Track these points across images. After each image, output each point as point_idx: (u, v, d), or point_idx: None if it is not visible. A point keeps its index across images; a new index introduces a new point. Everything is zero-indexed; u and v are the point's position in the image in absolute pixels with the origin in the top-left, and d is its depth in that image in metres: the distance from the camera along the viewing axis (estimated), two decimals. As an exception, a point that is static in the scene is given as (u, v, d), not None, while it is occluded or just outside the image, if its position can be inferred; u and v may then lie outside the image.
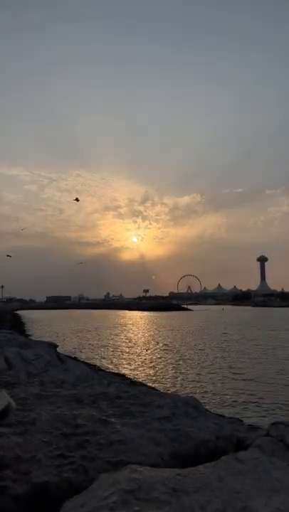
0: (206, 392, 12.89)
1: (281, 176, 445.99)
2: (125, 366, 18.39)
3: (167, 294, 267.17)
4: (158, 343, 28.88)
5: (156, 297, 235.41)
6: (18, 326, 44.28)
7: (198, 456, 2.51)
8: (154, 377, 15.42)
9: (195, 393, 12.22)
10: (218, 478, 1.83)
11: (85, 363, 13.71)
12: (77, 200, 28.92)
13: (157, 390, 7.59)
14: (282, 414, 10.12)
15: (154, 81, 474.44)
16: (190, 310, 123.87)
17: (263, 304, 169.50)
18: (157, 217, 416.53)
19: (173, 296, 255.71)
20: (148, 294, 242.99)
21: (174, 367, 17.85)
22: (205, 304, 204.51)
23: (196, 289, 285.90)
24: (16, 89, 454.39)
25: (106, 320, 67.16)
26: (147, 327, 49.58)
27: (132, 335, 36.79)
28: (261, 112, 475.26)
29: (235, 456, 2.12)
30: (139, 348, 25.94)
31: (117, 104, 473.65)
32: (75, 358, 14.48)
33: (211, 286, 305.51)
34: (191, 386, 13.76)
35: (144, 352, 23.60)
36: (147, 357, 21.37)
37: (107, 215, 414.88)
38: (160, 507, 1.55)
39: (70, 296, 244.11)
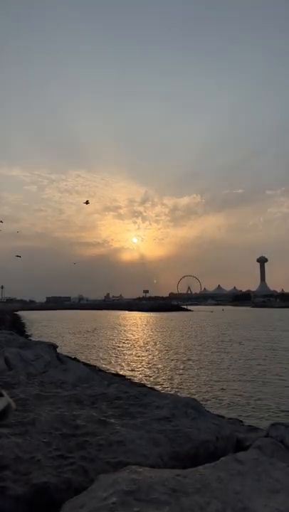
0: (205, 392, 12.88)
1: (281, 176, 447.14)
2: (125, 367, 18.38)
3: (167, 295, 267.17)
4: (158, 343, 28.87)
5: (156, 298, 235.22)
6: (18, 326, 44.29)
7: (198, 457, 2.51)
8: (153, 378, 15.41)
9: (195, 394, 12.22)
10: (217, 479, 1.83)
11: (85, 364, 13.70)
12: (87, 202, 28.94)
13: (157, 391, 7.58)
14: (282, 415, 10.12)
15: (154, 81, 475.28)
16: (190, 311, 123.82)
17: (263, 305, 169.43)
18: (157, 217, 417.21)
19: (173, 296, 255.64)
20: (148, 295, 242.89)
21: (173, 368, 17.83)
22: (205, 305, 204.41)
23: (196, 289, 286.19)
24: (15, 89, 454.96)
25: (106, 321, 67.13)
26: (147, 328, 49.55)
27: (131, 336, 36.77)
28: (261, 113, 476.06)
29: (235, 457, 2.12)
30: (138, 348, 25.92)
31: (116, 105, 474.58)
32: (74, 359, 14.46)
33: (210, 286, 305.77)
34: (190, 387, 13.75)
35: (143, 353, 23.58)
36: (147, 358, 21.36)
37: (107, 215, 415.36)
38: (160, 508, 1.55)
39: (70, 297, 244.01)
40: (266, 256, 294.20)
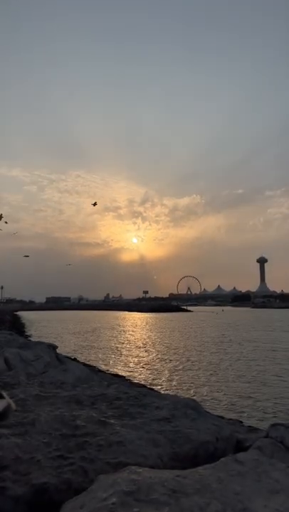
0: (205, 393, 12.87)
1: (281, 177, 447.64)
2: (125, 367, 18.36)
3: (167, 295, 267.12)
4: (157, 344, 28.85)
5: (156, 298, 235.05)
6: (18, 326, 44.24)
7: (198, 458, 2.51)
8: (153, 379, 15.40)
9: (194, 395, 12.21)
10: (217, 479, 1.82)
11: (85, 364, 13.68)
12: (95, 204, 28.95)
13: (157, 392, 7.58)
14: (282, 416, 10.11)
15: (154, 82, 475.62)
16: (190, 311, 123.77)
17: (263, 306, 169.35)
18: (157, 218, 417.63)
19: (173, 297, 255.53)
20: (148, 295, 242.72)
21: (173, 368, 17.82)
22: (205, 305, 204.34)
23: (196, 290, 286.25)
24: (15, 89, 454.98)
25: (105, 321, 67.08)
26: (147, 328, 49.53)
27: (131, 336, 36.75)
28: (261, 113, 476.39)
29: (235, 458, 2.12)
30: (138, 349, 25.91)
31: (116, 105, 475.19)
32: (74, 359, 14.45)
33: (210, 287, 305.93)
34: (190, 387, 13.74)
35: (143, 353, 23.57)
36: (147, 358, 21.35)
37: (107, 216, 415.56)
38: (159, 508, 1.55)
39: (69, 297, 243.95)
40: (266, 256, 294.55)
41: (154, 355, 22.67)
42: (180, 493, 1.67)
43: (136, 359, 21.10)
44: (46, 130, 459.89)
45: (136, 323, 61.44)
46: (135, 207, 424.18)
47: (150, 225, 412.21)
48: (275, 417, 9.96)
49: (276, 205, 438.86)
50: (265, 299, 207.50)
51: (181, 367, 18.22)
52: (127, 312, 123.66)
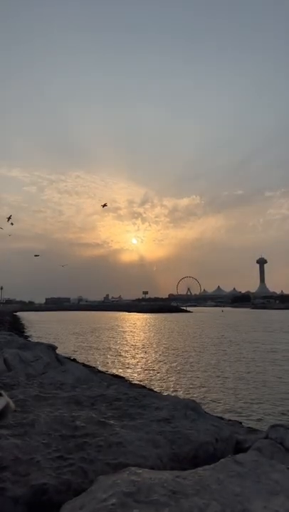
0: (205, 394, 12.87)
1: (281, 178, 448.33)
2: (124, 368, 18.35)
3: (166, 296, 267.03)
4: (157, 345, 28.85)
5: (156, 299, 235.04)
6: (18, 327, 44.20)
7: (198, 459, 2.51)
8: (153, 380, 15.39)
9: (194, 395, 12.21)
10: (217, 480, 1.82)
11: (84, 365, 13.69)
12: (105, 205, 29.13)
13: (156, 392, 7.57)
14: (282, 417, 10.11)
15: (154, 82, 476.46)
16: (189, 312, 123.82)
17: (263, 306, 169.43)
18: (157, 219, 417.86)
19: (172, 298, 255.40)
20: (147, 296, 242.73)
21: (173, 369, 17.82)
22: (204, 306, 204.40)
23: (196, 291, 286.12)
24: (15, 90, 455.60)
25: (105, 322, 67.07)
26: (146, 329, 49.52)
27: (131, 337, 36.74)
28: (261, 114, 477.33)
29: (235, 459, 2.11)
30: (138, 350, 25.90)
31: (116, 106, 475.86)
32: (74, 360, 14.45)
33: (210, 288, 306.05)
34: (190, 388, 13.74)
35: (143, 354, 23.56)
36: (146, 359, 21.34)
37: (107, 216, 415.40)
38: (159, 509, 1.55)
39: (69, 298, 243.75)
40: (266, 257, 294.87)
41: (154, 356, 22.67)
42: (180, 494, 1.67)
43: (135, 360, 21.09)
44: (46, 130, 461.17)
45: (135, 324, 61.43)
46: (135, 208, 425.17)
47: (150, 225, 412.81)
48: (275, 418, 9.95)
49: (276, 205, 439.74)
50: (264, 300, 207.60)
51: (180, 368, 18.21)
52: (126, 313, 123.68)
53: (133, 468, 1.91)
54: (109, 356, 22.56)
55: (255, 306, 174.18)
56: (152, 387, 12.48)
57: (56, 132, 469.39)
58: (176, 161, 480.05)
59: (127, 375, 16.20)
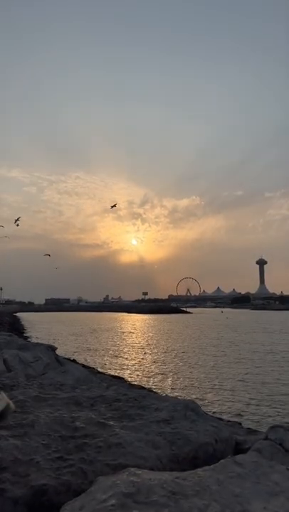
0: (204, 395, 12.87)
1: (280, 178, 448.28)
2: (124, 369, 18.35)
3: (166, 297, 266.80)
4: (156, 346, 28.85)
5: (156, 300, 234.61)
6: (17, 328, 44.19)
7: (197, 460, 2.51)
8: (152, 381, 15.39)
9: (194, 396, 12.20)
10: (217, 481, 1.83)
11: (84, 366, 13.69)
12: (114, 206, 29.64)
13: (156, 393, 7.57)
14: (282, 418, 10.10)
15: (153, 83, 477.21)
16: (189, 313, 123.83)
17: (262, 307, 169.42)
18: (156, 219, 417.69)
19: (172, 298, 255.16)
20: (147, 297, 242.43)
21: (172, 370, 17.81)
22: (204, 307, 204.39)
23: (195, 291, 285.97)
24: (15, 90, 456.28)
25: (105, 323, 67.07)
26: (146, 330, 49.51)
27: (130, 338, 36.74)
28: (261, 115, 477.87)
29: (234, 460, 2.12)
30: (138, 351, 25.89)
31: (116, 106, 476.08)
32: (73, 361, 14.44)
33: (210, 289, 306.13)
34: (189, 389, 13.73)
35: (142, 355, 23.56)
36: (146, 360, 21.33)
37: (107, 217, 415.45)
38: (159, 510, 1.55)
39: (69, 299, 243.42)
40: (265, 258, 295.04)
41: (153, 356, 22.67)
42: (179, 494, 1.67)
43: (135, 361, 21.08)
44: (46, 131, 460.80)
45: (135, 325, 61.42)
46: (135, 208, 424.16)
47: (150, 226, 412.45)
48: (275, 419, 9.95)
49: (276, 206, 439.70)
50: (264, 301, 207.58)
51: (180, 369, 18.21)
52: (126, 314, 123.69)
53: (133, 469, 1.91)
54: (108, 357, 22.55)
55: (255, 307, 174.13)
56: (152, 388, 12.48)
57: (56, 133, 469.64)
58: (176, 162, 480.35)
59: (127, 376, 16.20)
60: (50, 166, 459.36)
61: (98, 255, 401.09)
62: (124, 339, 35.05)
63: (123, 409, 3.17)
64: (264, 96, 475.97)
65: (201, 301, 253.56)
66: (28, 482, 1.94)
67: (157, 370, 17.78)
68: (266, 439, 2.68)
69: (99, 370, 16.42)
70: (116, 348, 27.58)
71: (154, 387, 13.68)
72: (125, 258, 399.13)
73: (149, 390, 10.70)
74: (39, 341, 17.15)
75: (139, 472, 1.88)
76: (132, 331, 47.96)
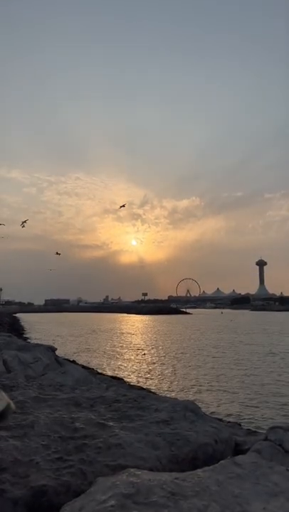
0: (204, 396, 12.86)
1: (280, 179, 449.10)
2: (123, 370, 18.33)
3: (166, 298, 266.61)
4: (156, 347, 28.82)
5: (155, 301, 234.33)
6: (17, 328, 44.16)
7: (197, 460, 2.51)
8: (152, 381, 15.38)
9: (193, 397, 12.19)
10: (216, 482, 1.83)
11: (84, 367, 13.66)
12: (123, 206, 29.89)
13: (156, 394, 7.57)
14: (281, 419, 10.09)
15: (153, 84, 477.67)
16: (189, 314, 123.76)
17: (262, 308, 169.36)
18: (156, 220, 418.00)
19: (172, 299, 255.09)
20: (147, 298, 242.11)
21: (172, 371, 17.80)
22: (204, 308, 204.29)
23: (195, 292, 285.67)
24: (15, 91, 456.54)
25: (104, 323, 67.01)
26: (146, 331, 49.48)
27: (130, 339, 36.71)
28: (260, 116, 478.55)
29: (234, 461, 2.12)
30: (137, 351, 25.87)
31: (116, 107, 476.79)
32: (73, 362, 14.41)
33: (209, 289, 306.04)
34: (189, 390, 13.72)
35: (142, 356, 23.54)
36: (146, 361, 21.32)
37: (106, 218, 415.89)
38: (158, 511, 1.55)
39: (68, 299, 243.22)
40: (265, 259, 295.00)
41: (153, 357, 22.65)
42: (179, 495, 1.67)
43: (134, 361, 21.07)
44: (46, 132, 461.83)
45: (135, 326, 61.38)
46: (134, 209, 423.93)
47: (149, 227, 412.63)
48: (274, 420, 9.94)
49: (275, 207, 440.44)
50: (264, 302, 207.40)
51: (179, 369, 18.19)
52: (126, 314, 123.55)
53: (132, 470, 1.92)
54: (108, 358, 22.53)
55: (255, 308, 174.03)
56: (151, 389, 12.46)
57: (56, 134, 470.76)
58: (176, 162, 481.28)
59: (126, 376, 16.18)
60: (50, 166, 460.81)
61: (98, 256, 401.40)
62: (124, 340, 35.01)
63: (123, 410, 3.18)
64: (264, 96, 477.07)
65: (201, 302, 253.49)
66: (27, 483, 1.94)
67: (157, 371, 17.77)
68: (266, 439, 2.68)
69: (98, 370, 16.40)
70: (115, 348, 27.55)
71: (154, 387, 13.67)
72: (125, 259, 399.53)
73: (149, 390, 10.69)
74: (39, 342, 17.13)
75: (139, 473, 1.88)
76: (132, 331, 47.92)
